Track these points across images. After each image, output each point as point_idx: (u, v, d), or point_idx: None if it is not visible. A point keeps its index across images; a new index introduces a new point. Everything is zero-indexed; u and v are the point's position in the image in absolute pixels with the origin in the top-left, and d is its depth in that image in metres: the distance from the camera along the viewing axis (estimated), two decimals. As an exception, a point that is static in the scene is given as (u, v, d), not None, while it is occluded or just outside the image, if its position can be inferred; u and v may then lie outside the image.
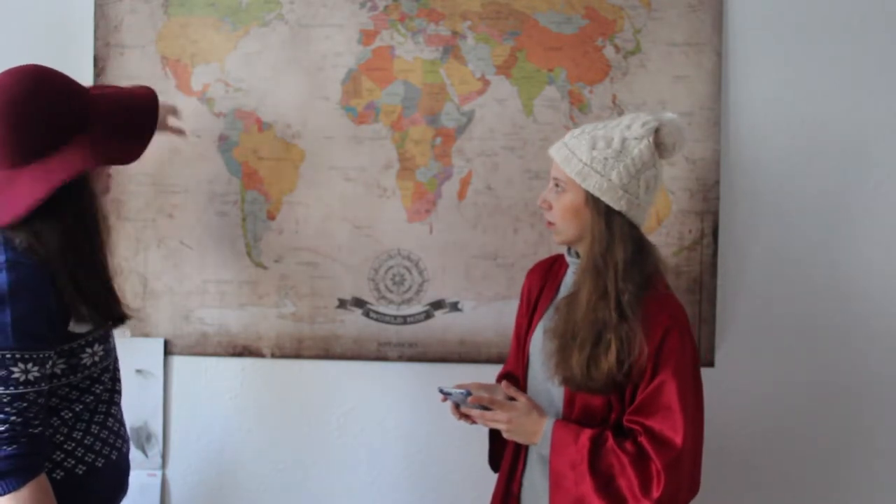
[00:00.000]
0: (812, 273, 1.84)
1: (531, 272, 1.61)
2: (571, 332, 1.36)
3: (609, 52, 1.80)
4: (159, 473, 1.91)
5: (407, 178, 1.83)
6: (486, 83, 1.81)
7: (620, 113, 1.79)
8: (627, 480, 1.30)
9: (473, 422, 1.45)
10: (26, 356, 1.21)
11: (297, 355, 1.87)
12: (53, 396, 1.30)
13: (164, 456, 1.91)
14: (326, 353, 1.87)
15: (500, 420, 1.40)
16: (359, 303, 1.86)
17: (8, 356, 1.20)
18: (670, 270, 1.80)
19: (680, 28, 1.80)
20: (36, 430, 1.24)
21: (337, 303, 1.86)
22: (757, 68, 1.81)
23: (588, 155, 1.35)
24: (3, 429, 1.21)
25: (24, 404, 1.22)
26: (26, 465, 1.22)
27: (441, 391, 1.44)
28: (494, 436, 1.58)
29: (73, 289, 1.27)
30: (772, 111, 1.82)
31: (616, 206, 1.35)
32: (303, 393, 1.90)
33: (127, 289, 1.78)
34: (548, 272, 1.56)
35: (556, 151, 1.40)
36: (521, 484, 1.50)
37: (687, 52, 1.80)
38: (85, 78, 1.78)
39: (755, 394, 1.87)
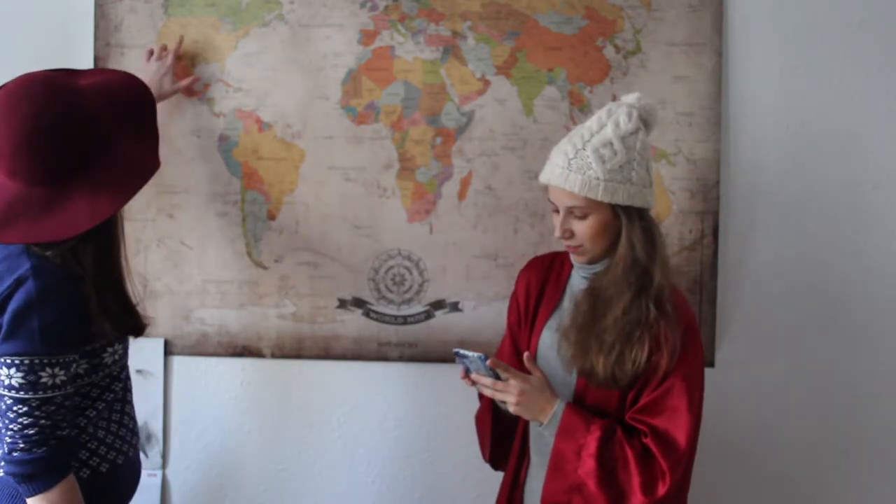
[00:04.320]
0: (812, 273, 1.84)
1: (528, 268, 1.58)
2: (598, 334, 1.34)
3: (609, 52, 1.80)
4: (159, 473, 1.91)
5: (407, 178, 1.83)
6: (487, 83, 1.81)
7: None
8: (630, 476, 1.30)
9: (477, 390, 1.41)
10: (53, 360, 1.23)
11: (297, 355, 1.87)
12: (77, 396, 1.31)
13: (164, 456, 1.91)
14: (326, 353, 1.87)
15: (510, 392, 1.34)
16: (359, 303, 1.86)
17: (36, 361, 1.21)
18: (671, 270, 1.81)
19: (680, 28, 1.80)
20: (64, 433, 1.26)
21: (337, 303, 1.86)
22: (757, 68, 1.81)
23: (602, 170, 1.31)
24: (32, 432, 1.22)
25: (53, 407, 1.24)
26: (55, 467, 1.24)
27: (456, 353, 1.39)
28: (497, 431, 1.56)
29: (97, 304, 1.28)
30: (772, 111, 1.82)
31: (646, 205, 1.35)
32: (303, 393, 1.90)
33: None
34: (548, 270, 1.53)
35: (565, 180, 1.32)
36: (525, 479, 1.49)
37: (687, 52, 1.80)
38: (85, 78, 1.78)
39: (755, 394, 1.87)
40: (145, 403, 1.86)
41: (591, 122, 1.37)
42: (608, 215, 1.34)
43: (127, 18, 1.83)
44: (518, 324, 1.56)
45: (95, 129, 1.24)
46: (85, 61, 1.83)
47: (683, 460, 1.31)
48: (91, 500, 1.33)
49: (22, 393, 1.21)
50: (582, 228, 1.35)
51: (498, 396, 1.38)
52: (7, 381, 1.21)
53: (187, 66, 1.83)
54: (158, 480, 1.90)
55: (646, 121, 1.38)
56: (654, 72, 1.80)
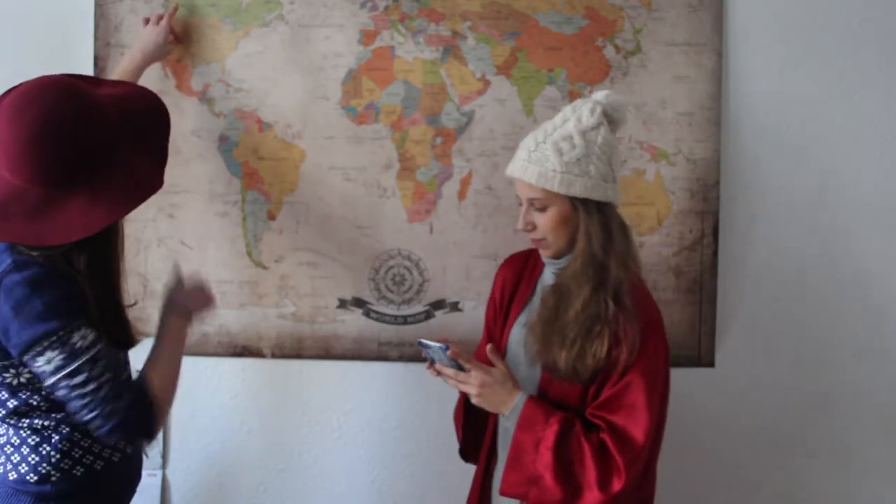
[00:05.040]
0: (812, 273, 1.85)
1: (505, 265, 1.61)
2: (560, 329, 1.35)
3: (609, 52, 1.80)
4: (159, 473, 1.91)
5: (407, 178, 1.83)
6: (487, 83, 1.81)
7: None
8: (586, 470, 1.30)
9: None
10: (74, 326, 1.23)
11: (297, 355, 1.87)
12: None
13: (164, 456, 1.91)
14: (326, 353, 1.87)
15: (472, 383, 1.36)
16: (359, 303, 1.86)
17: (61, 334, 1.21)
18: (671, 270, 1.82)
19: (680, 28, 1.80)
20: (124, 377, 1.29)
21: (337, 303, 1.86)
22: (757, 68, 1.82)
23: (560, 162, 1.33)
24: (104, 391, 1.23)
25: (102, 361, 1.25)
26: (144, 410, 1.28)
27: (419, 342, 1.41)
28: (470, 424, 1.58)
29: (93, 300, 1.29)
30: (772, 111, 1.82)
31: (605, 199, 1.36)
32: (303, 393, 1.90)
33: (127, 289, 1.79)
34: (523, 267, 1.56)
35: (524, 172, 1.36)
36: (494, 473, 1.50)
37: (687, 52, 1.80)
38: (85, 78, 1.79)
39: (755, 394, 1.87)
40: (145, 403, 1.86)
41: (557, 118, 1.40)
42: (567, 208, 1.36)
43: (127, 18, 1.83)
44: (494, 319, 1.59)
45: (104, 137, 1.23)
46: (85, 61, 1.83)
47: (641, 457, 1.32)
48: (86, 498, 1.34)
49: (70, 367, 1.22)
50: (542, 221, 1.38)
51: (460, 387, 1.40)
52: (53, 368, 1.22)
53: (187, 67, 1.83)
54: (158, 480, 1.90)
55: (611, 117, 1.39)
56: (654, 72, 1.80)
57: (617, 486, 1.28)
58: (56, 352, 1.21)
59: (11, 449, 1.32)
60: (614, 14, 1.80)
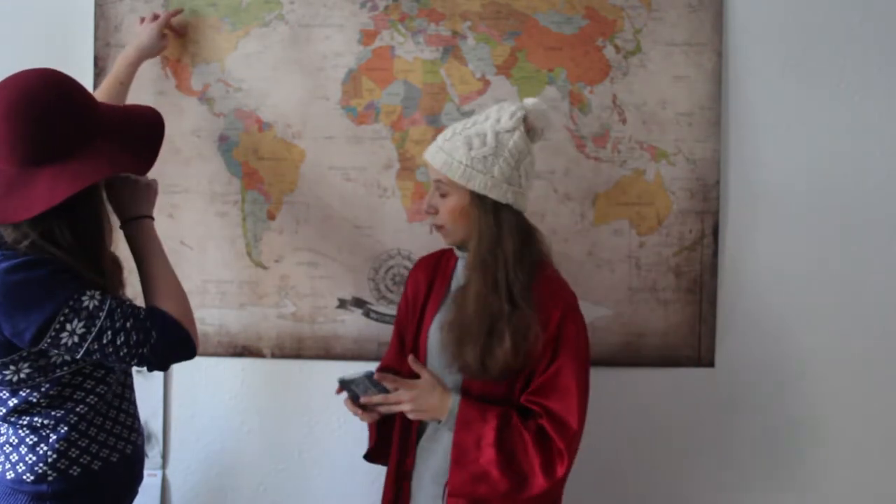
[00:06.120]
0: (812, 273, 1.85)
1: (416, 267, 1.63)
2: (465, 325, 1.38)
3: (609, 52, 1.80)
4: (159, 473, 1.91)
5: (407, 178, 1.83)
6: (487, 83, 1.81)
7: (621, 113, 1.80)
8: (529, 459, 1.33)
9: (372, 413, 1.45)
10: (80, 290, 1.24)
11: (297, 355, 1.87)
12: (68, 387, 1.31)
13: (164, 456, 1.91)
14: (326, 353, 1.87)
15: (404, 401, 1.40)
16: (359, 303, 1.86)
17: (71, 304, 1.22)
18: (671, 270, 1.82)
19: (680, 28, 1.80)
20: (141, 315, 1.28)
21: (337, 303, 1.86)
22: (757, 68, 1.82)
23: (466, 156, 1.36)
24: (133, 336, 1.26)
25: (119, 309, 1.26)
26: (176, 333, 1.31)
27: (341, 381, 1.42)
28: (380, 427, 1.58)
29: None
30: (772, 111, 1.82)
31: (503, 200, 1.37)
32: (303, 393, 1.90)
33: (127, 289, 1.79)
34: (436, 267, 1.58)
35: (433, 156, 1.40)
36: (413, 464, 1.52)
37: (687, 52, 1.80)
38: (85, 78, 1.79)
39: (755, 394, 1.87)
40: (145, 403, 1.86)
41: (481, 114, 1.43)
42: (465, 200, 1.39)
43: (127, 18, 1.83)
44: (405, 321, 1.60)
45: (81, 125, 1.24)
46: (85, 61, 1.83)
47: (577, 440, 1.36)
48: (83, 498, 1.34)
49: (94, 331, 1.23)
50: (443, 207, 1.41)
51: (393, 410, 1.43)
52: (78, 339, 1.23)
53: (187, 67, 1.83)
54: (158, 480, 1.90)
55: (531, 125, 1.41)
56: (654, 72, 1.80)
57: (560, 470, 1.33)
58: (74, 321, 1.22)
59: (10, 448, 1.32)
60: (614, 14, 1.80)
